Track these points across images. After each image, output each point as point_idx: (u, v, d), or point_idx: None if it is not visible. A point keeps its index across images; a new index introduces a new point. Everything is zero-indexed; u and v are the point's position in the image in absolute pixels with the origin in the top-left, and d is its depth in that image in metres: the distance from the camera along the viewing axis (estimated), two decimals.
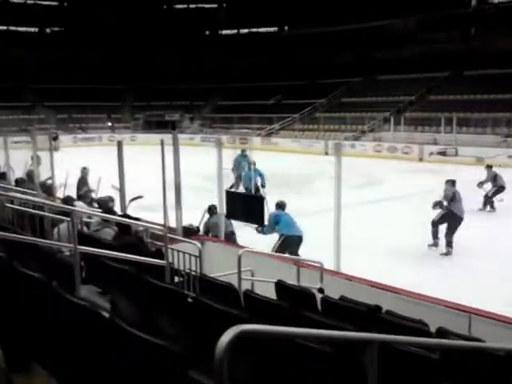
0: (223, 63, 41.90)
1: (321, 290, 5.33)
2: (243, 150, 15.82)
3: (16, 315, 2.61)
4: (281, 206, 8.55)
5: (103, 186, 10.05)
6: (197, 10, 46.47)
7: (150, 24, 43.65)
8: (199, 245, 5.82)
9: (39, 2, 43.33)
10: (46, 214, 6.17)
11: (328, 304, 4.04)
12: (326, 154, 26.30)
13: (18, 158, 11.46)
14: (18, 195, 6.86)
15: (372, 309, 3.93)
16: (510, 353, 2.90)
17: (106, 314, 2.46)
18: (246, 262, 5.58)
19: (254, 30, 45.36)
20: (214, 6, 46.52)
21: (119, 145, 8.07)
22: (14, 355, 2.47)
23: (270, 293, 4.35)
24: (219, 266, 5.91)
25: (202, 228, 8.60)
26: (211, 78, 40.88)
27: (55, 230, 5.83)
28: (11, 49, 39.02)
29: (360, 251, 8.54)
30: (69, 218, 5.11)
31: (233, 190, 13.37)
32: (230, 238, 8.46)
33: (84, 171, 11.46)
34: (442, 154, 24.10)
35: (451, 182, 9.75)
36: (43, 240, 4.84)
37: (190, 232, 7.85)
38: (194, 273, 5.17)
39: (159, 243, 5.84)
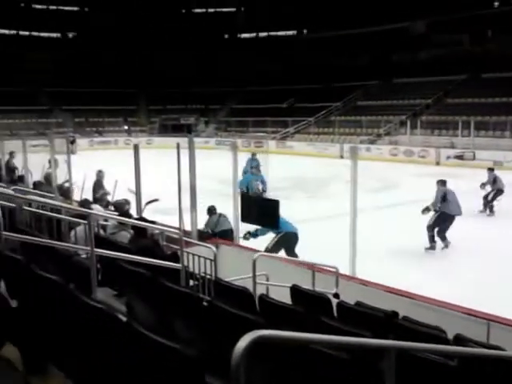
0: (239, 67, 42.01)
1: (336, 295, 5.30)
2: (253, 154, 15.90)
3: (33, 317, 2.63)
4: None
5: (119, 189, 10.12)
6: (215, 14, 46.82)
7: (169, 28, 44.01)
8: (214, 248, 5.84)
9: (61, 8, 43.91)
10: (63, 216, 6.24)
11: (344, 309, 4.00)
12: (341, 157, 26.21)
13: (35, 161, 11.62)
14: (36, 198, 6.96)
15: (389, 315, 3.88)
16: None
17: (122, 317, 2.47)
18: (261, 266, 5.56)
19: (273, 33, 45.51)
20: (232, 9, 46.77)
21: (136, 148, 8.12)
22: (31, 357, 2.50)
23: (285, 297, 4.32)
24: (234, 269, 5.90)
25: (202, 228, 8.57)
26: (227, 82, 40.99)
27: (72, 232, 5.88)
28: (32, 54, 39.69)
29: (375, 256, 8.48)
30: (86, 221, 5.15)
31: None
32: (228, 235, 8.36)
33: (100, 174, 11.55)
34: (460, 157, 23.84)
35: (442, 182, 9.68)
36: (60, 243, 4.89)
37: (204, 235, 7.86)
38: (208, 276, 5.18)
39: (175, 246, 5.87)
